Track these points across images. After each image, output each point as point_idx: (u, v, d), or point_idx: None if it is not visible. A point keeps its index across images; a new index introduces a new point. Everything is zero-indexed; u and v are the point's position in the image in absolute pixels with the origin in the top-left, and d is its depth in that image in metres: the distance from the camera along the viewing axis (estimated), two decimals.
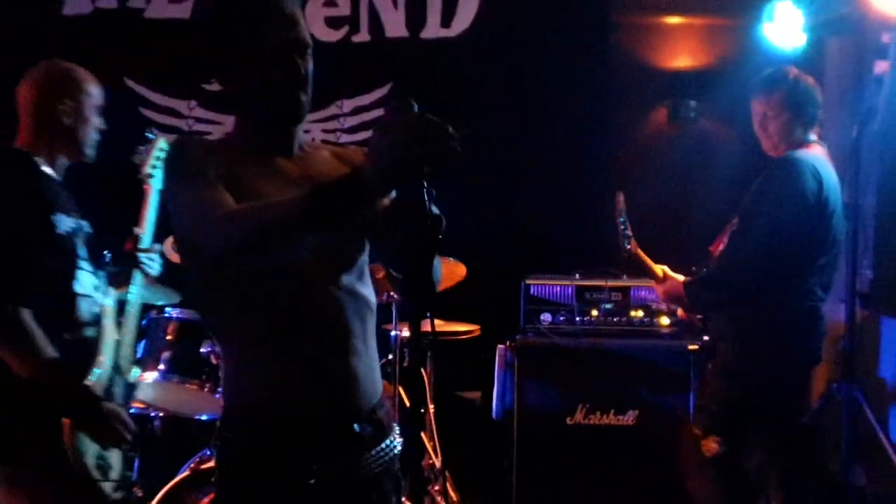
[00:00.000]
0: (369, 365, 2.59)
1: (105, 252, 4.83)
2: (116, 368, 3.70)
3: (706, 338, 4.95)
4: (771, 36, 5.40)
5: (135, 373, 3.92)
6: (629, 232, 4.74)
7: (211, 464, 4.57)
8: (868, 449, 5.02)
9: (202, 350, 4.71)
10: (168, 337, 4.81)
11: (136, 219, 4.76)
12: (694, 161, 6.09)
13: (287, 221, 2.24)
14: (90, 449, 3.50)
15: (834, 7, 5.27)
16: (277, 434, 2.51)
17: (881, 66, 5.23)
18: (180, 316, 4.84)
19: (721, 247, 4.52)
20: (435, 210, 2.22)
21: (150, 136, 4.16)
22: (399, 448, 2.63)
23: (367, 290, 2.61)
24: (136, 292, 3.89)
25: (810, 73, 5.92)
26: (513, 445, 5.38)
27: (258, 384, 2.52)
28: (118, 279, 3.92)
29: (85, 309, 3.63)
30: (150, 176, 4.07)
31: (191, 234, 2.45)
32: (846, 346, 5.03)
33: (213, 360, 4.69)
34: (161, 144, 4.10)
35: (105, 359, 3.64)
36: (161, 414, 5.04)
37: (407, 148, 2.06)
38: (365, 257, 2.62)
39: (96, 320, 3.67)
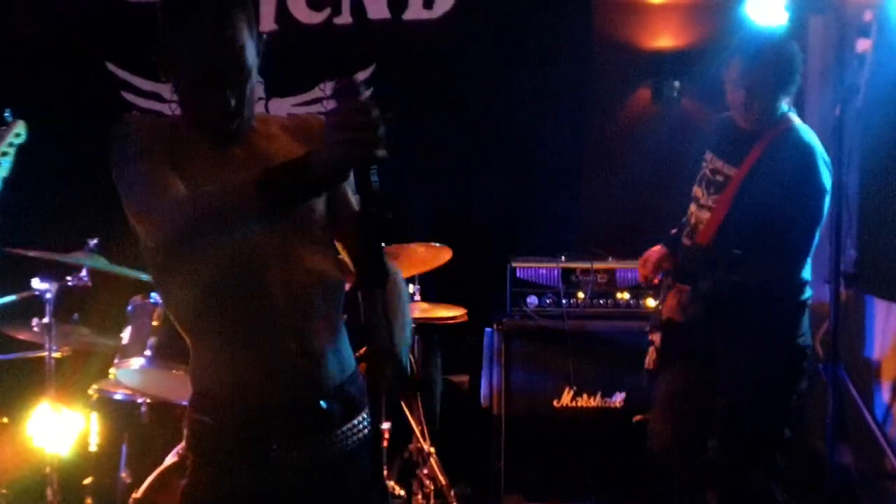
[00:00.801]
0: (335, 342, 2.58)
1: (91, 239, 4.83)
2: None
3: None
4: (753, 14, 5.39)
5: None
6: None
7: None
8: (853, 428, 5.06)
9: None
10: (154, 322, 4.77)
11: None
12: (677, 141, 6.08)
13: (237, 207, 2.24)
14: None
15: None
16: (242, 415, 2.50)
17: (863, 44, 5.24)
18: None
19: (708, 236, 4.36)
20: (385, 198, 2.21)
21: (8, 117, 3.92)
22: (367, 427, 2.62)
23: (329, 266, 2.58)
24: None
25: None
26: (500, 428, 5.40)
27: (220, 367, 2.52)
28: None
29: None
30: None
31: (142, 217, 2.43)
32: (831, 325, 5.06)
33: None
34: (18, 129, 3.98)
35: None
36: (148, 400, 5.03)
37: (349, 140, 2.11)
38: (326, 232, 2.58)
39: None
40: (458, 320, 5.33)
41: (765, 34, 4.65)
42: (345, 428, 2.58)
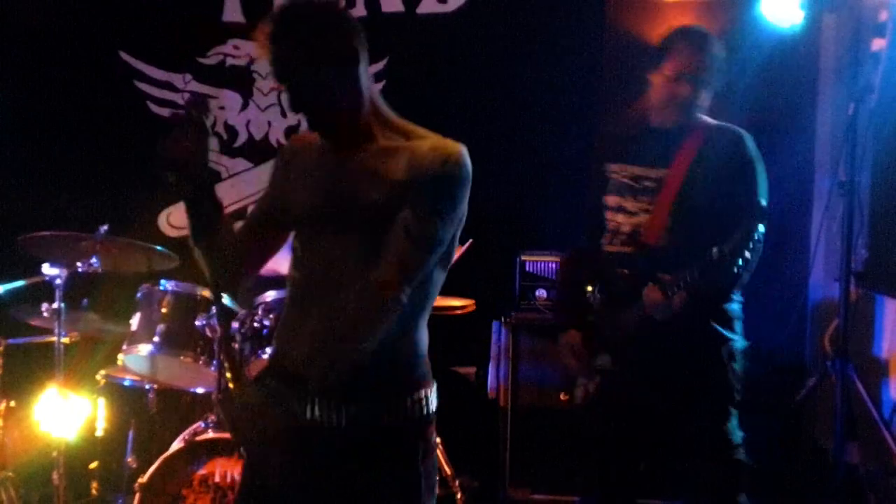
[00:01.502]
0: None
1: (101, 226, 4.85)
2: None
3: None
4: (768, 12, 5.39)
5: None
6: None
7: (206, 435, 4.58)
8: (862, 426, 5.04)
9: (196, 323, 4.70)
10: (162, 310, 4.80)
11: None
12: None
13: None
14: None
15: None
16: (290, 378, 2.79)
17: (878, 43, 5.22)
18: (175, 288, 4.83)
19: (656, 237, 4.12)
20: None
21: None
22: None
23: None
24: None
25: (807, 50, 5.95)
26: (507, 420, 5.40)
27: (288, 338, 2.85)
28: None
29: None
30: None
31: None
32: (841, 324, 5.05)
33: (208, 333, 4.68)
34: None
35: None
36: (155, 386, 5.06)
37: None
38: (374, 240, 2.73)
39: None
40: (466, 310, 5.33)
41: (697, 27, 4.43)
42: (380, 408, 2.77)
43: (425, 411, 2.86)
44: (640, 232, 4.11)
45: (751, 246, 3.73)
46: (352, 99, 2.79)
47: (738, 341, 4.10)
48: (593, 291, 4.27)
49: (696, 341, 4.03)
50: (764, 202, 3.93)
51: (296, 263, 2.86)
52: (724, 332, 4.06)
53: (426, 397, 2.87)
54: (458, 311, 5.31)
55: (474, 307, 5.39)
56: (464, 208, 2.84)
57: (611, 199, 4.21)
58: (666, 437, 4.15)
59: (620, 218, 4.18)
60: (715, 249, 3.74)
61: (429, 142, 2.83)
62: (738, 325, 4.12)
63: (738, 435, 4.05)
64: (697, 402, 4.04)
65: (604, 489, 4.24)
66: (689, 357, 3.99)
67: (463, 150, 2.80)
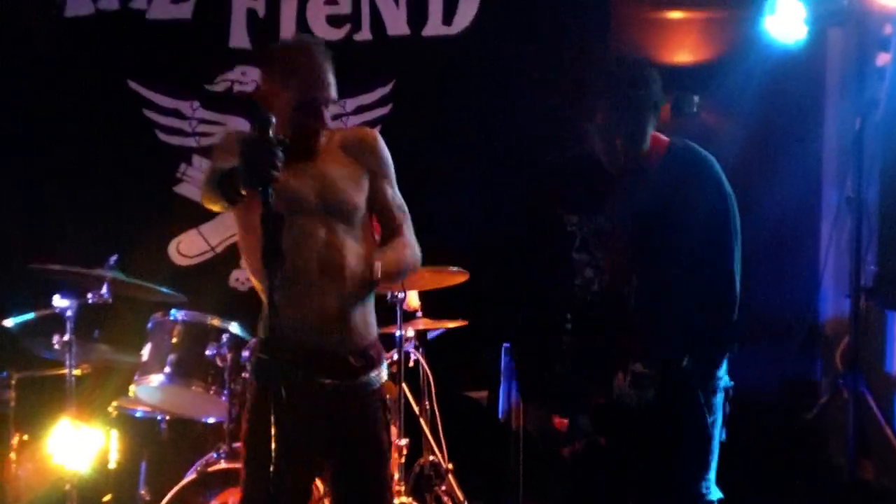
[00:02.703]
0: (364, 312, 3.47)
1: (111, 257, 4.86)
2: None
3: None
4: (772, 29, 5.39)
5: None
6: None
7: (218, 466, 4.59)
8: (875, 443, 5.03)
9: (207, 352, 4.69)
10: (173, 339, 4.79)
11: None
12: None
13: (211, 192, 3.22)
14: None
15: None
16: (296, 359, 3.30)
17: (883, 58, 5.23)
18: (185, 318, 4.83)
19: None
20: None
21: None
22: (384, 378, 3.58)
23: (363, 250, 3.43)
24: None
25: (812, 65, 5.95)
26: (518, 444, 5.39)
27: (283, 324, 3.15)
28: None
29: None
30: None
31: None
32: (851, 340, 5.04)
33: (219, 363, 4.68)
34: None
35: None
36: (167, 417, 5.06)
37: (248, 167, 2.96)
38: (364, 223, 3.50)
39: None
40: (460, 327, 5.28)
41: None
42: (364, 377, 3.48)
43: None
44: (605, 283, 3.90)
45: (724, 356, 3.73)
46: None
47: (722, 379, 3.85)
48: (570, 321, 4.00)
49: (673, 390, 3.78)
50: (736, 278, 3.74)
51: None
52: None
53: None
54: (451, 326, 5.29)
55: (466, 325, 5.32)
56: None
57: (580, 256, 3.94)
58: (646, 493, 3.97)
59: (590, 273, 3.92)
60: (686, 360, 3.68)
61: (349, 131, 3.82)
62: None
63: (714, 494, 3.85)
64: (673, 457, 3.83)
65: None
66: (665, 406, 3.77)
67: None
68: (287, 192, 3.27)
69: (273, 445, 2.91)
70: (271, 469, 2.93)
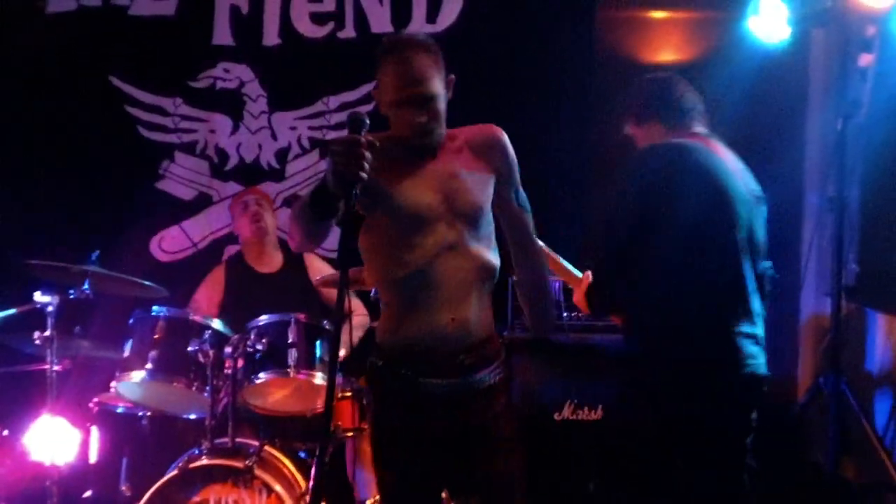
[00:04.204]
0: (480, 314, 3.38)
1: (93, 252, 4.86)
2: None
3: None
4: (756, 29, 5.40)
5: None
6: None
7: (200, 462, 4.58)
8: (855, 441, 5.05)
9: (189, 349, 4.69)
10: (155, 335, 4.79)
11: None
12: None
13: (303, 214, 3.14)
14: None
15: (818, 0, 5.28)
16: (403, 359, 3.36)
17: (865, 59, 5.24)
18: (167, 314, 4.82)
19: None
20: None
21: None
22: (500, 375, 3.47)
23: (487, 255, 3.39)
24: None
25: (795, 66, 5.97)
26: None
27: (396, 325, 3.36)
28: None
29: None
30: None
31: None
32: (832, 339, 5.06)
33: (201, 359, 4.68)
34: None
35: None
36: (148, 413, 5.04)
37: (336, 167, 2.94)
38: (489, 228, 3.42)
39: None
40: None
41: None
42: (480, 374, 3.39)
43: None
44: None
45: None
46: None
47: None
48: None
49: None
50: (607, 260, 3.89)
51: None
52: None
53: None
54: None
55: None
56: None
57: None
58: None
59: None
60: None
61: (474, 130, 3.64)
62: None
63: None
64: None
65: None
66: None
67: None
68: (406, 196, 3.29)
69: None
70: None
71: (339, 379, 5.06)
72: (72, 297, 4.79)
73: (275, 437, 4.91)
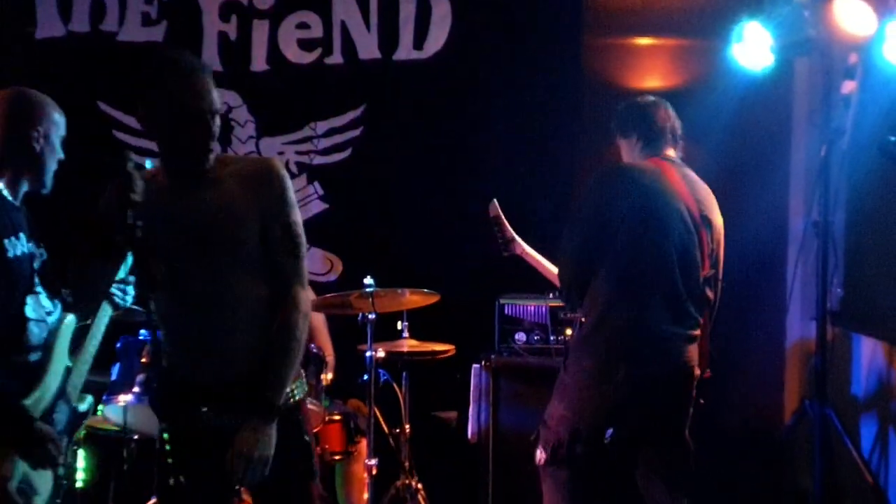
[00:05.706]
0: (251, 346, 3.28)
1: None
2: (62, 394, 3.70)
3: None
4: (740, 57, 5.43)
5: (86, 402, 3.90)
6: (508, 236, 4.91)
7: None
8: (841, 466, 5.06)
9: None
10: (143, 360, 4.80)
11: None
12: None
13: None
14: (17, 474, 3.49)
15: (801, 28, 5.31)
16: (185, 389, 3.34)
17: (848, 86, 5.28)
18: (154, 339, 4.81)
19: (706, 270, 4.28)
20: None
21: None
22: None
23: (254, 287, 3.29)
24: (101, 322, 3.87)
25: (779, 94, 6.02)
26: (488, 465, 5.39)
27: (172, 355, 3.38)
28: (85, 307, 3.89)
29: (35, 333, 3.64)
30: None
31: None
32: (818, 363, 5.07)
33: None
34: None
35: (51, 383, 3.64)
36: (136, 437, 5.04)
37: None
38: (255, 259, 3.29)
39: (46, 345, 3.67)
40: (447, 355, 5.35)
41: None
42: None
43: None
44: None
45: None
46: None
47: None
48: None
49: None
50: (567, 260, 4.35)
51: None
52: None
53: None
54: (440, 356, 5.34)
55: (455, 352, 5.41)
56: None
57: None
58: None
59: None
60: None
61: (250, 161, 3.76)
62: None
63: None
64: None
65: None
66: None
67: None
68: (166, 220, 3.27)
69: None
70: None
71: (326, 402, 5.08)
72: None
73: None
